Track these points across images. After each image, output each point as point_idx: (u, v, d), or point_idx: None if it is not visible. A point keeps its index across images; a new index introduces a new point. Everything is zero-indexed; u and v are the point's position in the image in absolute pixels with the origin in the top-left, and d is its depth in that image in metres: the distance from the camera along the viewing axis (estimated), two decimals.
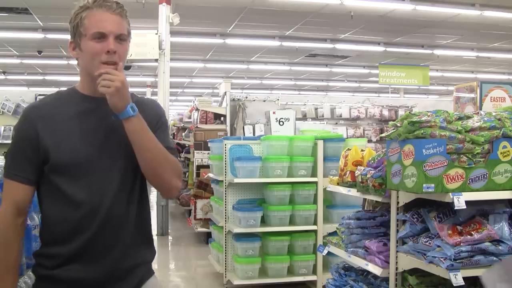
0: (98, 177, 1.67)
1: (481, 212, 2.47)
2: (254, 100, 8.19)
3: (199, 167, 7.56)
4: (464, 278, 2.26)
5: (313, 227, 4.91)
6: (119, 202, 1.70)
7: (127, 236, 1.72)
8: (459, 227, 2.39)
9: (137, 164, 1.70)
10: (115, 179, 1.69)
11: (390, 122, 2.70)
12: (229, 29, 10.94)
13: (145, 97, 2.05)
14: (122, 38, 1.68)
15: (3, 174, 1.73)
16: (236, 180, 4.85)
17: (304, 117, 9.02)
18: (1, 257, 1.66)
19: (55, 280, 1.67)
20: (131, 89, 1.72)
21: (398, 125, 2.56)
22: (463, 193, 2.32)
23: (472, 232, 2.35)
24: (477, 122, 2.51)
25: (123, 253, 1.71)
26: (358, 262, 3.03)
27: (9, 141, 8.44)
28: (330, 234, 3.77)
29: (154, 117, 1.77)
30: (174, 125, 11.66)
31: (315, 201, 4.94)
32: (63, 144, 1.65)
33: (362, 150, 3.43)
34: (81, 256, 1.67)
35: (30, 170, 1.68)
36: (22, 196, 1.69)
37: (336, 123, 9.14)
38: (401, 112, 9.31)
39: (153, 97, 10.75)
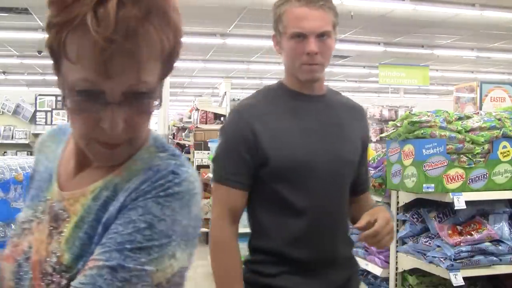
0: (319, 182, 1.50)
1: (481, 212, 2.47)
2: None
3: (199, 167, 7.54)
4: (464, 278, 2.26)
5: None
6: (339, 210, 1.56)
7: (343, 247, 1.59)
8: (459, 227, 2.39)
9: (355, 169, 1.60)
10: (336, 185, 1.54)
11: (390, 122, 2.70)
12: (229, 29, 10.93)
13: None
14: (326, 35, 1.48)
15: (214, 179, 1.59)
16: None
17: None
18: (229, 266, 1.55)
19: None
20: None
21: (398, 125, 2.56)
22: (463, 193, 2.32)
23: (472, 232, 2.35)
24: (477, 122, 2.51)
25: (340, 266, 1.57)
26: (358, 262, 3.02)
27: (9, 141, 8.29)
28: None
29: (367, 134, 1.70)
30: (174, 125, 11.65)
31: None
32: (282, 145, 1.49)
33: None
34: (301, 267, 1.52)
35: (245, 174, 1.52)
36: (237, 203, 1.55)
37: None
38: (401, 112, 9.30)
39: None
